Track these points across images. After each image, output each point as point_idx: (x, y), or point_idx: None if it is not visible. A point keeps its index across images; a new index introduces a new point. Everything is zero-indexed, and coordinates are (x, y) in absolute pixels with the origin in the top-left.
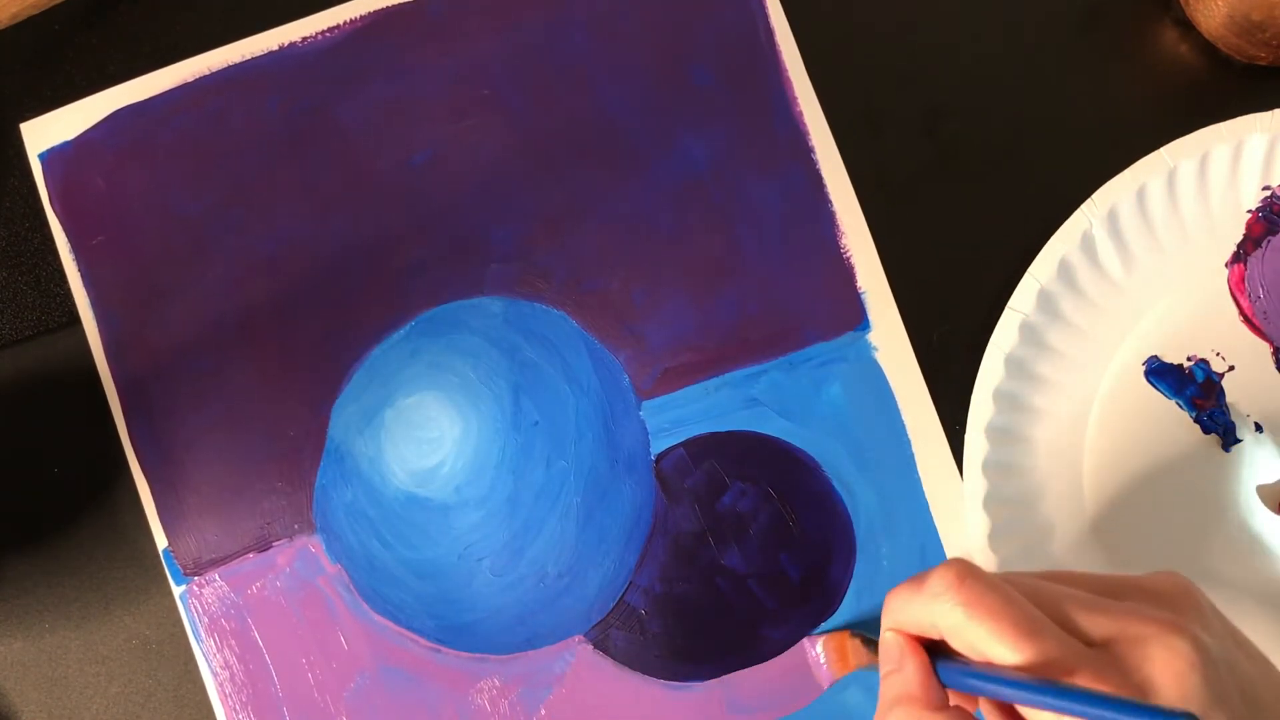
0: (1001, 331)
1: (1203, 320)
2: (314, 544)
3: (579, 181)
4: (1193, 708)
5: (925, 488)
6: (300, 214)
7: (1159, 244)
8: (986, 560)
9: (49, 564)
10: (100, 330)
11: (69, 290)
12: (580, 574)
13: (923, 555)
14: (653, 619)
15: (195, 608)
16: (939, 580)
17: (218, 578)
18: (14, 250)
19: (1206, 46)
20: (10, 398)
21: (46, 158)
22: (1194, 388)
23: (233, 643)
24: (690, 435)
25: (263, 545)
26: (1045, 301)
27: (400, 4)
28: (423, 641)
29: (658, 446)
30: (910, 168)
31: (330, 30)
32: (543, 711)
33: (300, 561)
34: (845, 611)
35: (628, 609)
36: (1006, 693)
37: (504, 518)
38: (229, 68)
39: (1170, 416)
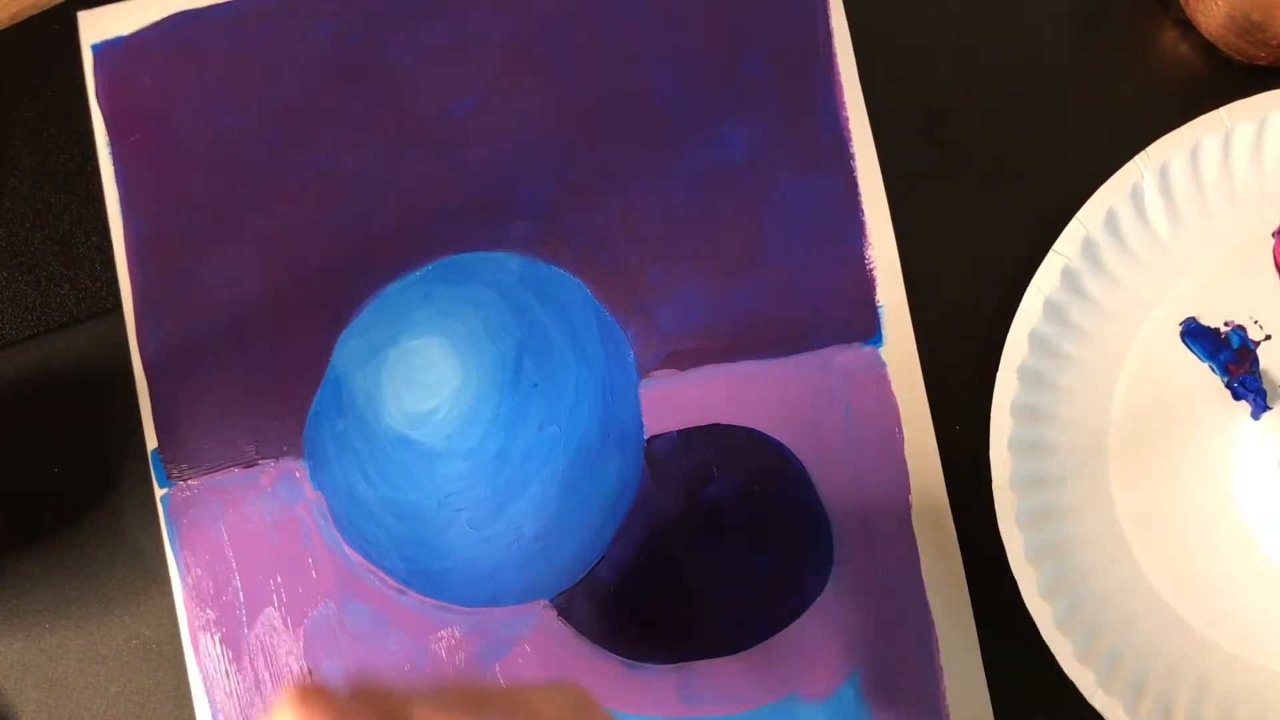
0: (1044, 274)
1: (1243, 287)
2: (299, 469)
3: (614, 152)
4: None
5: (913, 499)
6: (336, 143)
7: (1207, 205)
8: (1004, 503)
9: (49, 564)
10: (125, 227)
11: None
12: (556, 540)
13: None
14: (620, 595)
15: (174, 513)
16: (281, 697)
17: (200, 486)
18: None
19: (1206, 46)
20: (10, 399)
21: (99, 49)
22: (1228, 353)
23: (205, 555)
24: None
25: (249, 462)
26: (1089, 249)
27: None
28: (390, 581)
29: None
30: (918, 171)
31: None
32: (497, 670)
33: (283, 484)
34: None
35: (596, 582)
36: None
37: (489, 473)
38: None
39: (1202, 379)
